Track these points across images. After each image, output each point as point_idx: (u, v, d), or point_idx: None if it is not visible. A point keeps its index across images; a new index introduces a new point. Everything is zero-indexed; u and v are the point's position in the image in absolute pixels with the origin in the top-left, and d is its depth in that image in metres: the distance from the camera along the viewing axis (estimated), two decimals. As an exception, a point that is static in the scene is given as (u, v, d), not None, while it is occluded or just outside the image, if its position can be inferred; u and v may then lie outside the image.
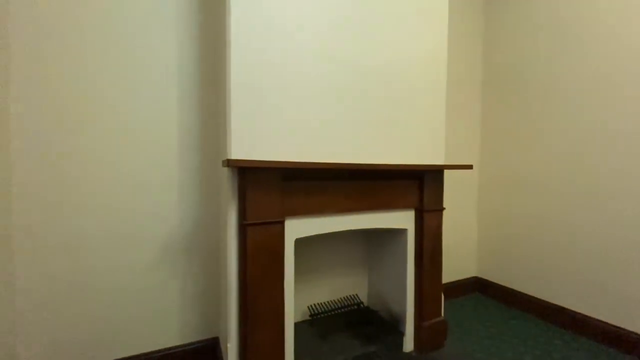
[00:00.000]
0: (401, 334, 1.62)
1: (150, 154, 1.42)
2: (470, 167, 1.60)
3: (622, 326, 1.62)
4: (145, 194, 1.41)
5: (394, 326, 1.69)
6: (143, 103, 1.40)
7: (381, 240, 1.80)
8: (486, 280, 2.35)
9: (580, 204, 1.81)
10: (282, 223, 1.25)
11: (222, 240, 1.44)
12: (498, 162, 2.29)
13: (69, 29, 1.26)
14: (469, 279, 2.38)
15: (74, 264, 1.28)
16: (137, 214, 1.39)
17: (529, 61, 2.08)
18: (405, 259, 1.62)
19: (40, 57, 1.22)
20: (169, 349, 1.45)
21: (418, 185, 1.61)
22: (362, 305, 1.84)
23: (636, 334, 1.58)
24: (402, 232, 1.63)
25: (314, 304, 1.75)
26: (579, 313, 1.80)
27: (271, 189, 1.22)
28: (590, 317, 1.75)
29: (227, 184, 1.24)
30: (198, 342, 1.52)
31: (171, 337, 1.47)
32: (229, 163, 1.07)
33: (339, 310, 1.76)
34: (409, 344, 1.60)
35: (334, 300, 1.81)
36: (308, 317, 1.72)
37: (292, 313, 1.31)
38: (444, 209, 1.65)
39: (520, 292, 2.11)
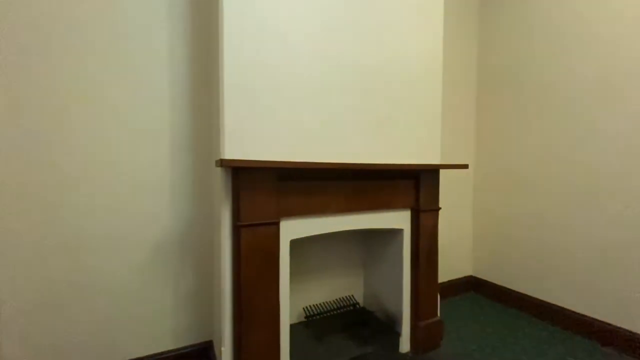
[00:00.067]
0: (397, 335, 1.61)
1: (142, 154, 1.38)
2: (465, 166, 1.60)
3: (619, 325, 1.63)
4: (136, 194, 1.37)
5: (390, 327, 1.68)
6: (135, 103, 1.36)
7: (377, 241, 1.79)
8: (481, 279, 2.36)
9: (575, 203, 1.82)
10: (277, 224, 1.23)
11: (216, 241, 1.42)
12: (493, 162, 2.30)
13: (64, 29, 1.23)
14: (464, 278, 2.39)
15: (60, 266, 1.25)
16: (127, 215, 1.36)
17: (524, 62, 2.09)
18: (401, 259, 1.61)
19: (34, 57, 1.18)
20: (161, 353, 1.42)
21: (414, 185, 1.60)
22: (358, 306, 1.82)
23: (631, 332, 1.59)
24: (398, 232, 1.62)
25: (310, 305, 1.73)
26: (574, 311, 1.81)
27: (266, 190, 1.20)
28: (585, 316, 1.76)
29: (220, 184, 1.21)
30: (191, 345, 1.49)
31: (163, 341, 1.44)
32: (223, 163, 1.04)
33: (335, 312, 1.75)
34: (405, 345, 1.59)
35: (330, 301, 1.79)
36: (303, 319, 1.70)
37: (287, 315, 1.29)
38: (440, 208, 1.65)
39: (515, 291, 2.12)
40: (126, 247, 1.35)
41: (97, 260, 1.30)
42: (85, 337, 1.29)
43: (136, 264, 1.38)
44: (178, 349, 1.46)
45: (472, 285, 2.41)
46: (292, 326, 1.66)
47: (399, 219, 1.58)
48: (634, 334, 1.57)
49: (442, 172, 2.21)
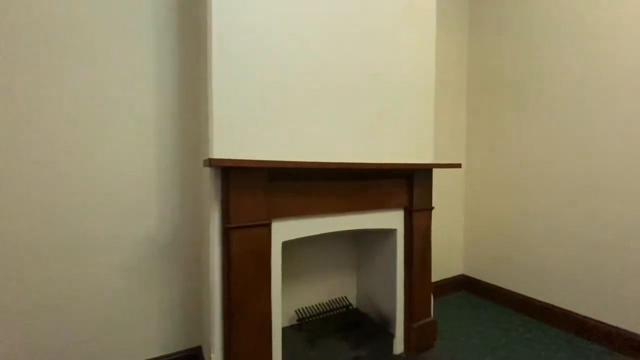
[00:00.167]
0: (391, 336, 1.59)
1: (126, 153, 1.32)
2: (458, 165, 1.59)
3: (611, 323, 1.65)
4: (120, 195, 1.31)
5: (384, 328, 1.66)
6: (120, 101, 1.30)
7: (370, 241, 1.77)
8: (473, 278, 2.36)
9: (564, 202, 1.83)
10: (268, 225, 1.19)
11: (205, 243, 1.37)
12: (484, 162, 2.30)
13: (57, 31, 1.17)
14: (456, 277, 2.39)
15: (40, 269, 1.18)
16: (109, 216, 1.29)
17: (514, 63, 2.09)
18: (394, 260, 1.59)
19: (24, 54, 1.11)
20: (148, 360, 1.37)
21: (407, 185, 1.58)
22: (351, 307, 1.80)
23: (626, 331, 1.61)
24: (391, 232, 1.60)
25: (302, 308, 1.70)
26: (565, 309, 1.83)
27: (256, 190, 1.16)
28: (576, 314, 1.78)
29: (209, 185, 1.16)
30: (179, 352, 1.43)
31: (150, 348, 1.38)
32: (211, 163, 1.00)
33: (328, 314, 1.72)
34: (399, 346, 1.57)
35: (323, 303, 1.76)
36: (296, 322, 1.66)
37: (279, 319, 1.26)
38: (433, 208, 1.64)
39: (507, 290, 2.13)
40: (108, 249, 1.29)
41: (77, 264, 1.24)
42: (63, 345, 1.22)
43: (120, 267, 1.32)
44: (165, 356, 1.40)
45: (463, 284, 2.42)
46: (284, 329, 1.62)
47: (392, 219, 1.56)
48: (624, 330, 1.59)
49: (433, 172, 2.20)
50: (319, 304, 1.75)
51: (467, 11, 2.39)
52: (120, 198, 1.31)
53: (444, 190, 2.32)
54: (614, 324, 1.63)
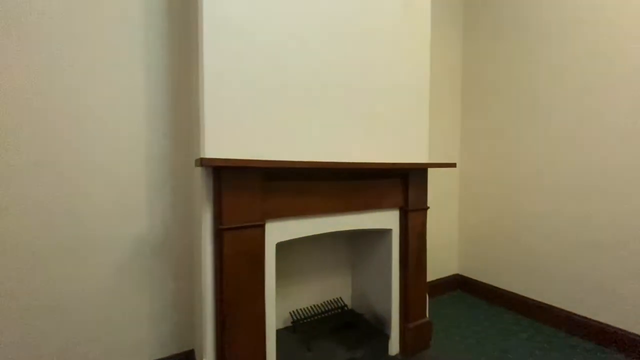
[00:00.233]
0: (386, 337, 1.58)
1: (114, 148, 1.29)
2: (453, 165, 1.58)
3: (605, 322, 1.66)
4: (110, 195, 1.28)
5: (379, 329, 1.64)
6: (108, 99, 1.26)
7: (365, 241, 1.75)
8: (468, 278, 2.37)
9: (558, 201, 1.84)
10: (262, 226, 1.17)
11: (196, 245, 1.34)
12: (478, 161, 2.31)
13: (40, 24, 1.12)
14: (451, 277, 2.39)
15: (26, 270, 1.14)
16: (98, 216, 1.26)
17: (509, 65, 2.10)
18: (390, 260, 1.57)
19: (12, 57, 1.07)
20: (139, 365, 1.34)
21: (403, 185, 1.57)
22: (346, 308, 1.78)
23: (620, 329, 1.62)
24: (386, 232, 1.58)
25: (297, 309, 1.68)
26: (560, 308, 1.83)
27: (249, 190, 1.13)
28: (570, 313, 1.78)
29: (201, 185, 1.13)
30: (171, 356, 1.40)
31: (141, 351, 1.35)
32: (203, 162, 0.97)
33: (323, 315, 1.70)
34: (394, 347, 1.56)
35: (318, 305, 1.74)
36: (290, 324, 1.64)
37: (273, 321, 1.23)
38: (428, 207, 1.63)
39: (501, 289, 2.13)
40: (98, 251, 1.26)
41: (66, 265, 1.20)
42: (53, 350, 1.18)
43: (109, 269, 1.28)
44: (157, 360, 1.37)
45: (458, 284, 2.42)
46: (278, 332, 1.60)
47: (387, 219, 1.55)
48: (618, 329, 1.60)
49: (428, 172, 2.19)
50: (314, 305, 1.73)
51: (462, 14, 2.39)
52: (108, 198, 1.27)
53: (439, 191, 2.32)
54: (609, 322, 1.64)
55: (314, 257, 1.75)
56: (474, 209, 2.34)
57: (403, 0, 1.52)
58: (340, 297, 1.82)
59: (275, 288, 1.24)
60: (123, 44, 1.29)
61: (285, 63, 1.23)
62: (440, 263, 2.34)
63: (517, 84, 2.05)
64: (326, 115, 1.33)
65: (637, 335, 1.53)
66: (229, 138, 1.12)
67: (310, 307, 1.72)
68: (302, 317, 1.64)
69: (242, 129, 1.15)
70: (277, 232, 1.24)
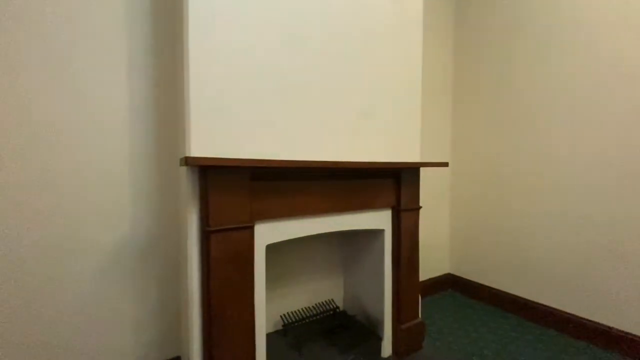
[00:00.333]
0: (379, 339, 1.56)
1: (96, 147, 1.23)
2: (446, 164, 1.56)
3: (597, 320, 1.67)
4: (90, 196, 1.22)
5: (372, 330, 1.62)
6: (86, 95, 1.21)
7: (357, 242, 1.73)
8: (459, 277, 2.37)
9: (550, 201, 1.85)
10: (251, 228, 1.13)
11: (182, 247, 1.29)
12: (469, 161, 2.31)
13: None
14: (442, 276, 2.39)
15: (2, 277, 1.08)
16: (78, 217, 1.20)
17: (498, 63, 2.10)
18: (382, 260, 1.55)
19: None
20: (123, 373, 1.28)
21: (395, 184, 1.55)
22: (338, 310, 1.75)
23: (612, 328, 1.63)
24: (379, 232, 1.56)
25: (288, 313, 1.64)
26: (551, 307, 1.84)
27: (238, 191, 1.09)
28: (561, 311, 1.79)
29: (186, 185, 1.09)
30: (157, 363, 1.35)
31: (124, 359, 1.29)
32: (188, 161, 0.93)
33: (315, 317, 1.67)
34: (387, 349, 1.53)
35: (309, 307, 1.71)
36: (281, 327, 1.60)
37: (263, 325, 1.20)
38: (421, 207, 1.61)
39: (493, 288, 2.14)
40: (77, 254, 1.20)
41: (45, 269, 1.14)
42: (29, 357, 1.12)
43: (91, 273, 1.22)
44: (142, 368, 1.32)
45: (450, 283, 2.42)
46: (268, 336, 1.56)
47: (379, 219, 1.52)
48: (610, 327, 1.61)
49: (420, 172, 2.18)
50: (305, 308, 1.70)
51: (453, 15, 2.39)
52: (89, 199, 1.22)
53: (431, 190, 2.31)
54: (600, 321, 1.65)
55: (305, 259, 1.72)
56: (466, 209, 2.34)
57: (394, -3, 1.51)
58: (332, 299, 1.79)
59: (265, 291, 1.20)
60: (105, 40, 1.23)
61: (274, 61, 1.19)
62: (431, 263, 2.33)
63: (507, 84, 2.06)
64: (317, 114, 1.30)
65: (629, 333, 1.54)
66: (216, 137, 1.08)
67: (302, 309, 1.68)
68: (293, 320, 1.60)
69: (230, 127, 1.11)
70: (267, 233, 1.20)
